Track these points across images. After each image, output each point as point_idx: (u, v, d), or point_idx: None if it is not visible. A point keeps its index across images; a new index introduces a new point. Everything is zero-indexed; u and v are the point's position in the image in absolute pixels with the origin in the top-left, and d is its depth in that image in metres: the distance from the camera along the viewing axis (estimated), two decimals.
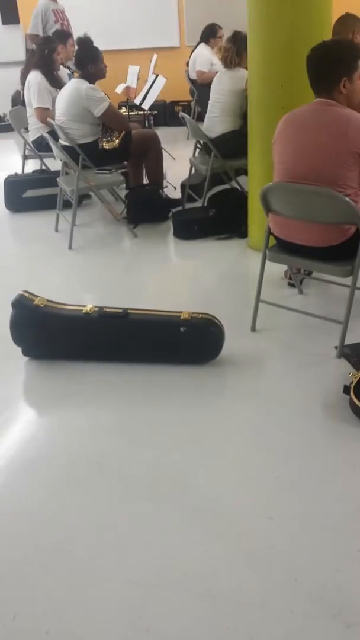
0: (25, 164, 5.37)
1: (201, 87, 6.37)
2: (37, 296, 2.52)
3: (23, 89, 4.98)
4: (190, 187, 4.45)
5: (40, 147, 4.83)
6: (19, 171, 5.22)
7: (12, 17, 8.46)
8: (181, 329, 2.39)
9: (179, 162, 5.77)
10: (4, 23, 8.53)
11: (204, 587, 1.49)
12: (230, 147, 4.05)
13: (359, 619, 1.39)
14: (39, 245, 4.05)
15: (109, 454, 1.99)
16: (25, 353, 2.56)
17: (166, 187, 4.68)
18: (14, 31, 8.52)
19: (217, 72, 4.38)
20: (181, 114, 4.51)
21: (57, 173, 4.43)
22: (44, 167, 5.11)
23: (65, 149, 3.91)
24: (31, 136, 4.92)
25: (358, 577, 1.49)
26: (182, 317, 2.41)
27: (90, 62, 3.89)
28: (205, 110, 4.37)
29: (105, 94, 3.98)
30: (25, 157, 5.29)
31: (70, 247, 3.90)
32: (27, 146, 5.11)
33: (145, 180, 4.56)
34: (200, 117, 5.09)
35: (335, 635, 1.35)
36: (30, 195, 4.67)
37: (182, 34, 8.43)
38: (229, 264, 3.53)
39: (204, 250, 3.75)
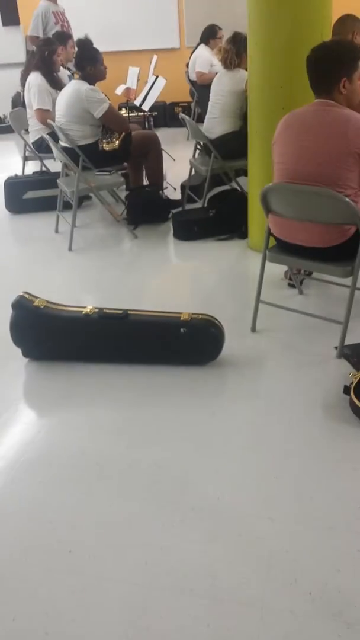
0: (26, 166, 5.38)
1: (201, 88, 6.37)
2: (37, 297, 2.52)
3: (23, 91, 4.99)
4: (190, 188, 4.46)
5: (41, 148, 4.84)
6: (19, 172, 5.23)
7: (12, 19, 8.48)
8: (181, 329, 2.39)
9: (179, 163, 5.78)
10: (4, 24, 8.55)
11: (204, 587, 1.49)
12: (230, 148, 4.06)
13: (359, 619, 1.38)
14: (39, 246, 4.05)
15: (109, 455, 1.99)
16: (25, 354, 2.56)
17: (166, 188, 4.68)
18: (14, 32, 8.54)
19: (217, 73, 4.39)
20: (181, 115, 4.51)
21: (57, 174, 4.44)
22: (44, 169, 5.11)
23: (65, 150, 3.91)
24: (31, 137, 4.93)
25: (358, 577, 1.49)
26: (182, 318, 2.41)
27: (89, 63, 3.90)
28: (205, 111, 4.37)
29: (106, 95, 3.99)
30: (25, 159, 5.30)
31: (70, 249, 3.90)
32: (27, 147, 5.12)
33: (146, 182, 4.56)
34: (200, 118, 5.09)
35: (336, 636, 1.35)
36: (30, 196, 4.67)
37: (182, 35, 8.44)
38: (229, 264, 3.53)
39: (204, 251, 3.75)
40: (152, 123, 6.46)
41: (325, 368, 2.38)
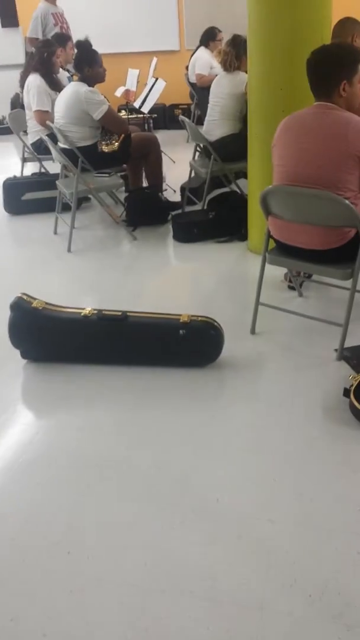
0: (24, 167, 5.39)
1: (201, 91, 6.39)
2: (35, 299, 2.52)
3: (22, 92, 4.99)
4: (190, 190, 4.46)
5: (40, 149, 4.84)
6: (18, 174, 5.23)
7: (11, 20, 8.49)
8: (180, 331, 2.39)
9: (178, 165, 5.78)
10: (3, 26, 8.55)
11: (204, 588, 1.49)
12: (229, 151, 4.06)
13: (359, 621, 1.38)
14: (38, 247, 4.05)
15: (107, 456, 1.99)
16: (23, 355, 2.55)
17: (166, 190, 4.69)
18: (13, 34, 8.54)
19: (216, 76, 4.40)
20: (181, 117, 4.51)
21: (56, 176, 4.44)
22: (43, 170, 5.11)
23: (64, 151, 3.91)
24: (30, 139, 4.93)
25: (358, 579, 1.49)
26: (181, 320, 2.41)
27: (86, 64, 3.90)
28: (204, 113, 4.38)
29: (105, 97, 4.00)
30: (24, 160, 5.30)
31: (69, 250, 3.90)
32: (26, 149, 5.12)
33: (145, 183, 4.57)
34: (200, 121, 5.10)
35: (336, 638, 1.35)
36: (29, 197, 4.67)
37: (182, 38, 8.46)
38: (229, 266, 3.53)
39: (204, 253, 3.75)
40: (151, 125, 6.47)
41: (325, 370, 2.38)
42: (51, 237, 4.21)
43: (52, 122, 4.05)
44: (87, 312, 2.46)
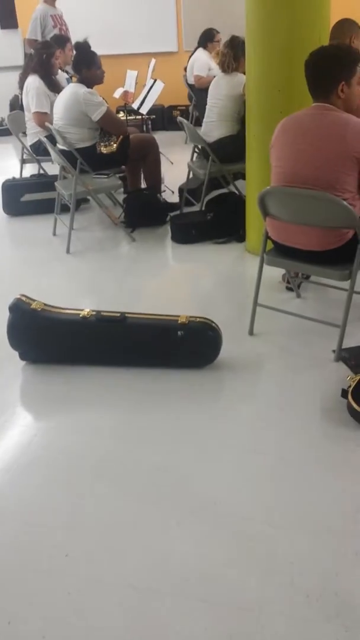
0: (23, 168, 5.38)
1: (199, 92, 6.40)
2: (34, 300, 2.52)
3: (21, 94, 5.00)
4: (188, 191, 4.46)
5: (38, 151, 4.84)
6: (17, 175, 5.23)
7: (10, 22, 8.50)
8: (179, 333, 2.39)
9: (176, 166, 5.78)
10: (2, 27, 8.57)
11: (203, 590, 1.49)
12: (227, 152, 4.07)
13: (357, 622, 1.38)
14: (37, 249, 4.05)
15: (106, 458, 1.99)
16: (22, 357, 2.55)
17: (164, 191, 4.69)
18: (12, 36, 8.55)
19: (214, 77, 4.40)
20: (179, 118, 4.52)
21: (55, 177, 4.44)
22: (42, 171, 5.11)
23: (63, 153, 3.92)
24: (29, 140, 4.93)
25: (356, 580, 1.49)
26: (179, 321, 2.41)
27: (84, 66, 3.91)
28: (203, 114, 4.38)
29: (103, 98, 4.00)
30: (23, 161, 5.30)
31: (68, 251, 3.90)
32: (25, 150, 5.12)
33: (143, 185, 4.57)
34: (198, 122, 5.11)
35: (334, 639, 1.35)
36: (28, 199, 4.67)
37: (180, 39, 8.47)
38: (227, 267, 3.53)
39: (202, 254, 3.75)
40: (150, 126, 6.46)
41: (323, 371, 2.39)
42: (50, 239, 4.21)
43: (51, 123, 4.06)
44: (86, 313, 2.46)
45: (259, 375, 2.42)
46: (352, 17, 3.70)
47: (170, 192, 4.85)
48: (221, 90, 4.14)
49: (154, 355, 2.46)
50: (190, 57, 6.81)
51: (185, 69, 6.99)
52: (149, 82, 5.35)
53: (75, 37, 4.75)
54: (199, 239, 3.90)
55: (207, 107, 4.29)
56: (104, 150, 4.09)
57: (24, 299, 2.51)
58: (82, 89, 3.87)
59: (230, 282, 3.33)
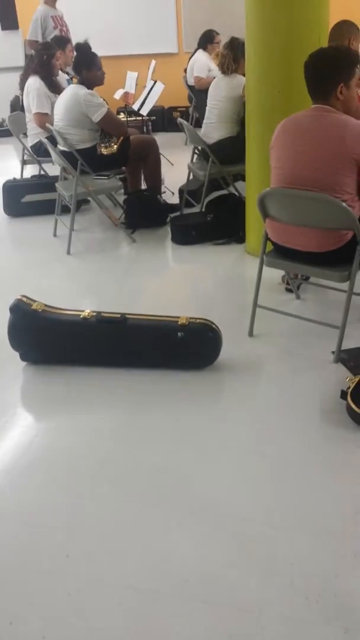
0: (24, 169, 5.39)
1: (199, 93, 6.40)
2: (35, 301, 2.52)
3: (22, 95, 5.00)
4: (188, 193, 4.47)
5: (39, 152, 4.85)
6: (18, 176, 5.24)
7: (11, 23, 8.51)
8: (179, 334, 2.40)
9: (177, 167, 5.79)
10: (3, 29, 8.58)
11: (203, 591, 1.49)
12: (227, 153, 4.07)
13: (356, 623, 1.39)
14: (37, 250, 4.05)
15: (106, 459, 1.99)
16: (23, 358, 2.56)
17: (164, 192, 4.70)
18: (13, 37, 8.56)
19: (214, 78, 4.40)
20: (179, 119, 4.53)
21: (55, 178, 4.45)
22: (42, 172, 5.12)
23: (63, 154, 3.92)
24: (30, 141, 4.93)
25: (356, 581, 1.49)
26: (179, 322, 2.42)
27: (84, 67, 3.91)
28: (203, 116, 4.39)
29: (104, 99, 4.00)
30: (23, 162, 5.30)
31: (68, 252, 3.90)
32: (25, 151, 5.13)
33: (144, 186, 4.57)
34: (198, 123, 5.11)
35: None
36: (28, 200, 4.68)
37: (180, 40, 8.47)
38: (227, 269, 3.54)
39: (202, 256, 3.76)
40: (150, 127, 6.47)
41: (322, 373, 2.39)
42: (50, 240, 4.21)
43: (52, 124, 4.06)
44: (87, 314, 2.47)
45: (258, 376, 2.42)
46: (351, 19, 3.71)
47: (170, 193, 4.86)
48: (221, 92, 4.14)
49: (154, 356, 2.47)
50: (190, 58, 6.82)
51: (185, 70, 6.99)
52: (149, 83, 5.36)
53: (75, 38, 4.75)
54: (199, 240, 3.91)
55: (206, 108, 4.29)
56: (104, 151, 4.10)
57: (24, 299, 2.52)
58: (82, 90, 3.88)
59: (230, 284, 3.34)
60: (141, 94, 5.42)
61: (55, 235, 4.26)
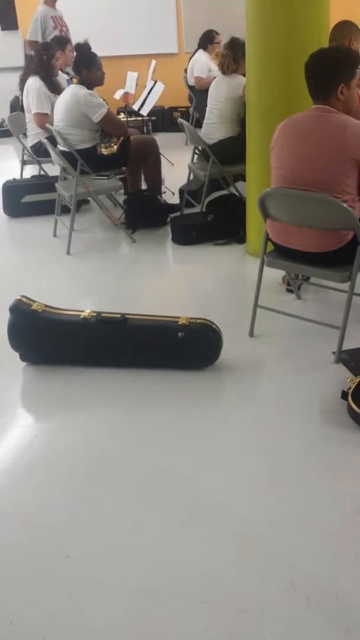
0: (24, 169, 5.39)
1: (199, 93, 6.40)
2: (35, 301, 2.52)
3: (22, 95, 5.00)
4: (189, 193, 4.47)
5: (39, 152, 4.85)
6: (18, 176, 5.24)
7: (11, 23, 8.51)
8: (179, 334, 2.39)
9: (177, 167, 5.79)
10: (3, 29, 8.58)
11: (203, 593, 1.49)
12: (228, 153, 4.07)
13: (357, 624, 1.38)
14: (37, 250, 4.05)
15: (106, 459, 1.99)
16: (22, 358, 2.55)
17: (164, 192, 4.70)
18: (13, 37, 8.57)
19: (214, 78, 4.40)
20: (179, 120, 4.53)
21: (55, 178, 4.45)
22: (42, 173, 5.12)
23: (63, 154, 3.92)
24: (30, 141, 4.93)
25: (356, 582, 1.49)
26: (180, 323, 2.41)
27: (84, 67, 3.91)
28: (203, 116, 4.39)
29: (104, 99, 4.00)
30: (23, 163, 5.30)
31: (68, 252, 3.90)
32: (25, 151, 5.13)
33: (144, 186, 4.57)
34: (199, 123, 5.11)
35: None
36: (28, 200, 4.68)
37: (181, 41, 8.47)
38: (227, 269, 3.54)
39: (202, 256, 3.76)
40: (150, 128, 6.47)
41: (323, 373, 2.39)
42: (50, 240, 4.21)
43: (52, 124, 4.06)
44: (87, 314, 2.47)
45: (259, 376, 2.42)
46: (351, 19, 3.71)
47: (170, 194, 4.86)
48: (221, 92, 4.14)
49: (154, 356, 2.47)
50: (190, 58, 6.82)
51: (185, 71, 6.99)
52: (150, 83, 5.36)
53: (75, 38, 4.75)
54: (199, 241, 3.90)
55: (207, 108, 4.29)
56: (104, 151, 4.10)
57: (24, 300, 2.52)
58: (82, 90, 3.88)
59: (231, 284, 3.34)
60: (141, 94, 5.42)
61: (55, 235, 4.26)
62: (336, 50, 2.44)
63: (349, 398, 2.09)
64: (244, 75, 3.78)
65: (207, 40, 6.53)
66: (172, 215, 4.27)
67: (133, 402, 2.30)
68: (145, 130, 6.16)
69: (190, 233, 3.93)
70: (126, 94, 5.97)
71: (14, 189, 4.70)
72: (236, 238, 3.85)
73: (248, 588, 1.49)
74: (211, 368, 2.45)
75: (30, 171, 5.38)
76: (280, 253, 2.54)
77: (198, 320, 2.44)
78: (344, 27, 3.63)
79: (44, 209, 4.54)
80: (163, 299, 3.25)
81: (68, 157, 3.88)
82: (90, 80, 3.95)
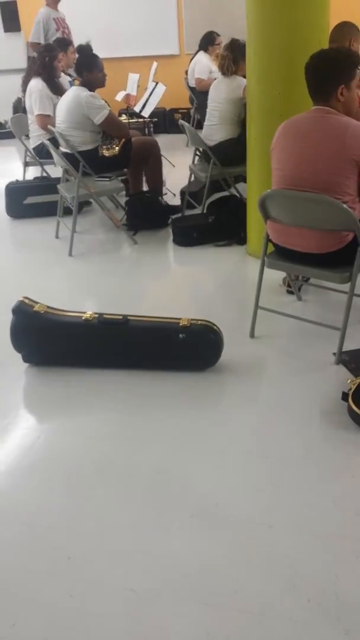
0: (26, 171, 5.40)
1: (200, 95, 6.39)
2: (37, 302, 2.53)
3: (24, 96, 5.02)
4: (190, 194, 4.48)
5: (41, 154, 4.86)
6: (20, 178, 5.25)
7: (13, 25, 8.53)
8: (180, 335, 2.40)
9: (178, 169, 5.80)
10: (5, 30, 8.60)
11: (204, 593, 1.49)
12: (228, 155, 4.08)
13: (357, 625, 1.39)
14: (40, 251, 4.06)
15: (108, 461, 2.00)
16: (25, 359, 2.56)
17: (166, 194, 4.70)
18: (15, 39, 8.58)
19: (215, 80, 4.41)
20: (180, 121, 4.54)
21: (57, 180, 4.46)
22: (44, 174, 5.13)
23: (65, 156, 3.93)
24: (32, 143, 4.95)
25: (357, 582, 1.50)
26: (181, 324, 2.42)
27: (85, 69, 3.92)
28: (204, 117, 4.40)
29: (106, 101, 4.01)
30: (26, 164, 5.32)
31: (70, 254, 3.91)
32: (28, 153, 5.14)
33: (145, 187, 4.58)
34: (200, 125, 5.12)
35: None
36: (30, 202, 4.69)
37: (182, 42, 8.48)
38: (228, 270, 3.54)
39: (203, 257, 3.76)
40: (151, 129, 6.49)
41: (323, 374, 2.39)
42: (53, 241, 4.22)
43: (54, 126, 4.07)
44: (89, 315, 2.48)
45: (259, 377, 2.43)
46: (351, 20, 3.72)
47: (171, 195, 4.87)
48: (221, 94, 4.15)
49: (155, 357, 2.47)
50: (191, 60, 6.82)
51: (186, 72, 7.00)
52: (151, 85, 5.37)
53: (77, 40, 4.77)
54: (200, 242, 3.91)
55: (207, 110, 4.30)
56: (106, 153, 4.10)
57: (26, 301, 2.53)
58: (84, 92, 3.89)
59: (232, 285, 3.34)
60: (143, 95, 5.43)
61: (57, 237, 4.27)
62: (336, 51, 2.44)
63: (350, 399, 2.09)
64: (244, 76, 3.79)
65: (207, 42, 6.53)
66: (173, 216, 4.27)
67: (134, 403, 2.30)
68: (146, 131, 6.17)
69: (191, 234, 3.93)
70: (128, 96, 5.99)
71: (17, 190, 4.72)
72: (237, 239, 3.86)
73: (248, 589, 1.50)
74: (212, 369, 2.46)
75: (32, 173, 5.39)
76: (281, 254, 2.54)
77: (199, 322, 2.45)
78: (344, 28, 3.63)
79: (46, 210, 4.55)
80: (164, 300, 3.25)
81: (70, 158, 3.89)
82: (91, 82, 3.96)
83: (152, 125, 6.42)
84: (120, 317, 2.47)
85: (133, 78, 6.03)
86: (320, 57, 2.35)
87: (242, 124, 3.98)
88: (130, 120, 6.12)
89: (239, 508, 1.76)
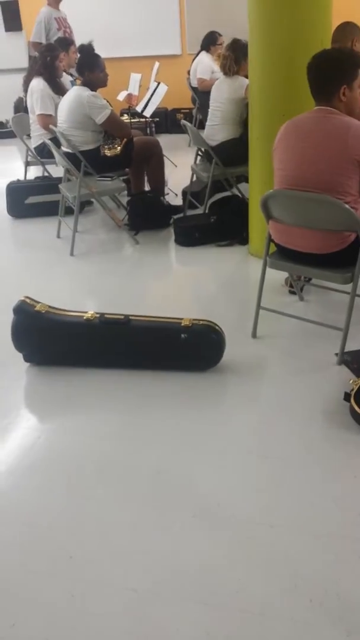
0: (28, 171, 5.40)
1: (202, 95, 6.40)
2: (38, 302, 2.53)
3: (26, 96, 5.02)
4: (192, 194, 4.47)
5: (43, 153, 4.86)
6: (21, 177, 5.25)
7: (14, 24, 8.54)
8: (182, 335, 2.40)
9: (180, 169, 5.80)
10: (7, 30, 8.60)
11: (204, 593, 1.49)
12: (230, 155, 4.07)
13: (359, 625, 1.38)
14: (41, 251, 4.06)
15: (109, 461, 2.00)
16: (26, 359, 2.56)
17: (167, 194, 4.70)
18: (16, 38, 8.59)
19: (217, 80, 4.41)
20: (182, 121, 4.53)
21: (59, 180, 4.46)
22: (46, 174, 5.13)
23: (67, 155, 3.93)
24: (33, 143, 4.95)
25: (358, 583, 1.49)
26: (183, 324, 2.42)
27: (86, 69, 3.92)
28: (206, 117, 4.39)
29: (107, 101, 4.01)
30: (27, 164, 5.32)
31: (71, 254, 3.91)
32: (29, 153, 5.14)
33: (147, 187, 4.58)
34: (202, 125, 5.12)
35: None
36: (32, 201, 4.69)
37: (184, 42, 8.48)
38: (230, 270, 3.54)
39: (205, 257, 3.76)
40: (153, 129, 6.48)
41: (325, 374, 2.39)
42: (54, 241, 4.22)
43: (55, 126, 4.07)
44: (90, 315, 2.47)
45: (261, 378, 2.42)
46: (353, 21, 3.71)
47: (173, 195, 4.87)
48: (223, 94, 4.15)
49: (157, 357, 2.47)
50: (193, 60, 6.82)
51: (188, 72, 7.00)
52: (153, 85, 5.37)
53: (79, 39, 4.77)
54: (202, 242, 3.91)
55: (209, 110, 4.30)
56: (107, 152, 4.10)
57: (28, 301, 2.53)
58: (85, 91, 3.88)
59: (234, 285, 3.34)
60: (144, 95, 5.43)
61: (58, 236, 4.27)
62: (338, 51, 2.44)
63: (352, 400, 2.09)
64: (246, 76, 3.78)
65: (209, 42, 6.53)
66: (175, 216, 4.27)
67: (135, 403, 2.30)
68: (148, 131, 6.17)
69: (193, 234, 3.93)
70: (129, 96, 5.98)
71: (18, 190, 4.72)
72: (239, 239, 3.85)
73: (249, 589, 1.49)
74: (214, 369, 2.46)
75: (34, 172, 5.40)
76: (283, 254, 2.54)
77: (201, 322, 2.44)
78: (346, 29, 3.63)
79: (48, 210, 4.56)
80: (166, 300, 3.25)
81: (72, 158, 3.89)
82: (93, 82, 3.96)
83: (153, 125, 6.41)
84: (122, 317, 2.47)
85: (135, 78, 6.03)
86: (322, 57, 2.35)
87: (244, 124, 3.98)
88: (132, 120, 6.12)
89: (240, 508, 1.75)
